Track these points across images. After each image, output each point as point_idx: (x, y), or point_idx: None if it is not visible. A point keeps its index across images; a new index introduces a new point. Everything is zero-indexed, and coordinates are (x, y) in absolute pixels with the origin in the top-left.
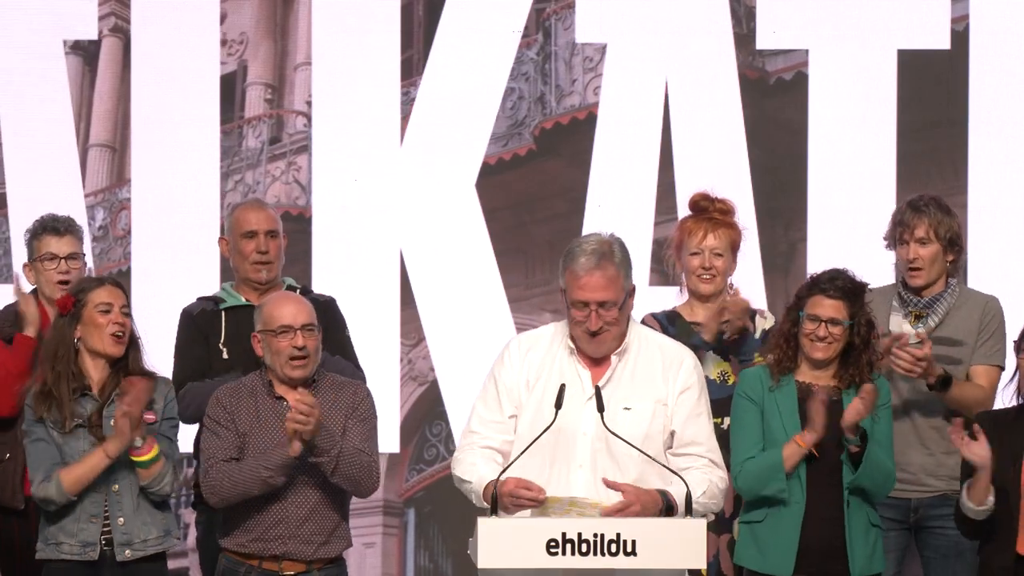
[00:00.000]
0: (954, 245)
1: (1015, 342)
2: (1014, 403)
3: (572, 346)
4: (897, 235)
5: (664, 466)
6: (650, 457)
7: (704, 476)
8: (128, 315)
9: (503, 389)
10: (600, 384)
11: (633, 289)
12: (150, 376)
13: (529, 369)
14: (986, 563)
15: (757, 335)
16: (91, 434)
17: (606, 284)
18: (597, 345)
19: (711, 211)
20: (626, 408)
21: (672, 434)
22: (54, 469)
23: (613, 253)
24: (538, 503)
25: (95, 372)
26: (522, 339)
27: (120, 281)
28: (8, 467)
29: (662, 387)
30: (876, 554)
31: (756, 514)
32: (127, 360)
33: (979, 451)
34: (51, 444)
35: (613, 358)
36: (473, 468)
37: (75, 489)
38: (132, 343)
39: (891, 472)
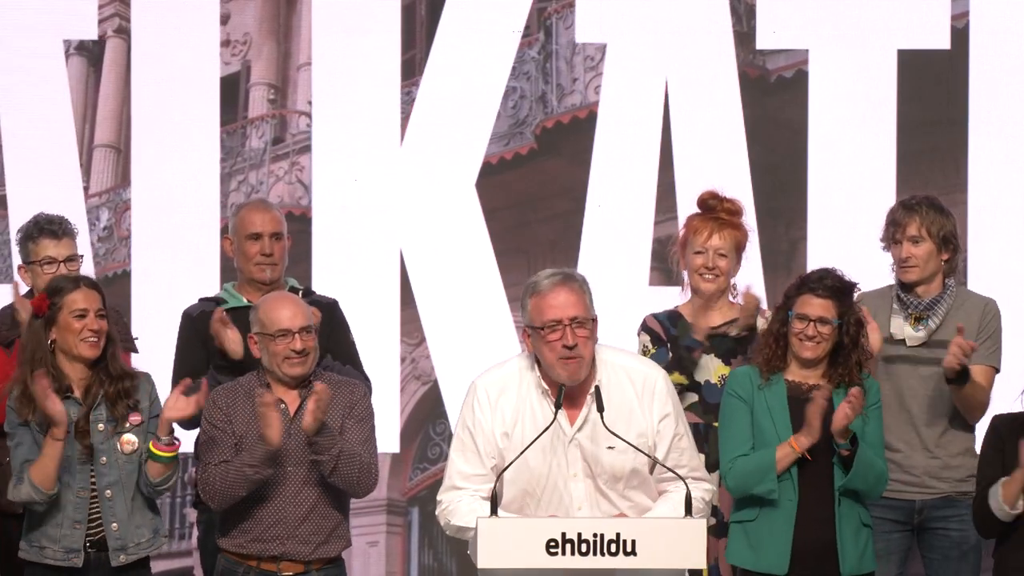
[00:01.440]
0: (948, 244)
1: None
2: None
3: (545, 387)
4: (890, 235)
5: (668, 468)
6: (645, 454)
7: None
8: (104, 317)
9: (480, 441)
10: (576, 425)
11: (596, 320)
12: (132, 376)
13: (504, 418)
14: (1001, 563)
15: None
16: (77, 440)
17: (575, 301)
18: (573, 370)
19: (719, 210)
20: (609, 448)
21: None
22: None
23: (574, 277)
24: None
25: (74, 373)
26: (488, 384)
27: (96, 281)
28: (6, 471)
29: (641, 420)
30: (867, 554)
31: (747, 513)
32: (105, 360)
33: None
34: (34, 448)
35: (588, 398)
36: (474, 515)
37: (47, 482)
38: (109, 342)
39: (883, 472)
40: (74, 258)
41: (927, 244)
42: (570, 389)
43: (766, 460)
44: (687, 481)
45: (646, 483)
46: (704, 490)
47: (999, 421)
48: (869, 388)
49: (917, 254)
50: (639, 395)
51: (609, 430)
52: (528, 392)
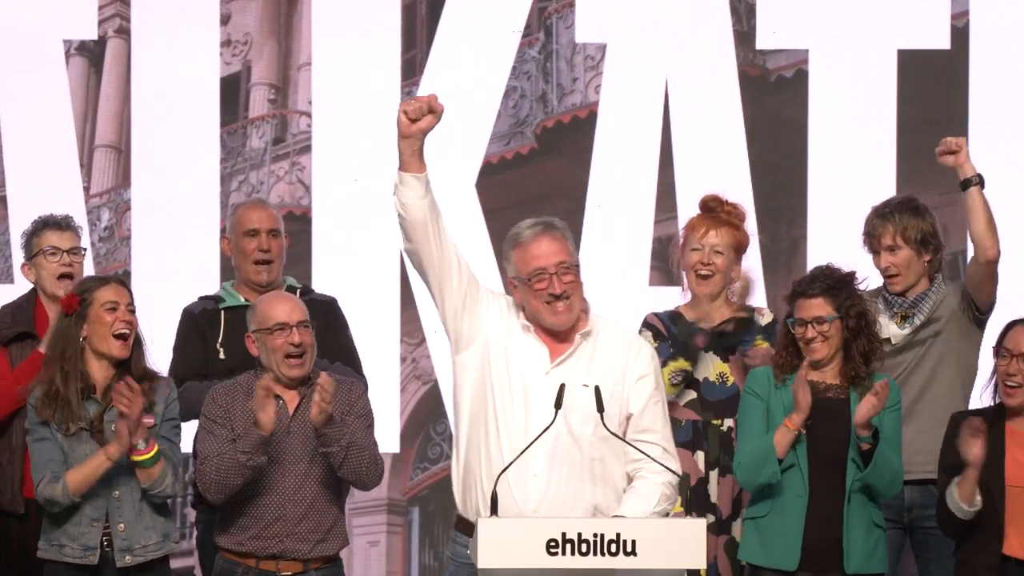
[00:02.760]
0: (927, 245)
1: (993, 347)
2: (991, 404)
3: (526, 323)
4: (868, 245)
5: (636, 446)
6: (616, 435)
7: (653, 486)
8: (133, 313)
9: (476, 281)
10: (556, 361)
11: (579, 265)
12: (152, 377)
13: (492, 325)
14: (965, 562)
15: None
16: (93, 438)
17: (558, 247)
18: (562, 315)
19: (719, 212)
20: (584, 385)
21: (629, 418)
22: (60, 469)
23: (555, 224)
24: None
25: (98, 373)
26: (492, 296)
27: (124, 280)
28: (7, 471)
29: (621, 368)
30: (877, 554)
31: (760, 508)
32: (130, 361)
33: (975, 450)
34: (55, 443)
35: (578, 337)
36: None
37: (80, 491)
38: (136, 343)
39: (899, 472)
40: (77, 250)
41: (905, 251)
42: (558, 331)
43: (764, 445)
44: (654, 461)
45: (616, 452)
46: (670, 475)
47: (959, 419)
48: (890, 389)
49: (896, 263)
50: (626, 347)
51: (605, 427)
52: (513, 323)
